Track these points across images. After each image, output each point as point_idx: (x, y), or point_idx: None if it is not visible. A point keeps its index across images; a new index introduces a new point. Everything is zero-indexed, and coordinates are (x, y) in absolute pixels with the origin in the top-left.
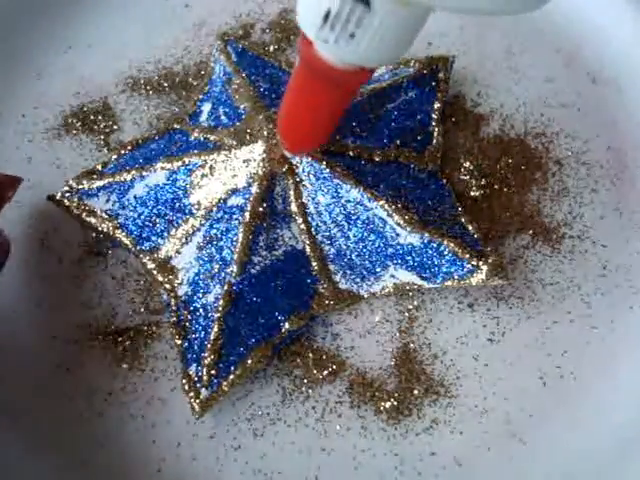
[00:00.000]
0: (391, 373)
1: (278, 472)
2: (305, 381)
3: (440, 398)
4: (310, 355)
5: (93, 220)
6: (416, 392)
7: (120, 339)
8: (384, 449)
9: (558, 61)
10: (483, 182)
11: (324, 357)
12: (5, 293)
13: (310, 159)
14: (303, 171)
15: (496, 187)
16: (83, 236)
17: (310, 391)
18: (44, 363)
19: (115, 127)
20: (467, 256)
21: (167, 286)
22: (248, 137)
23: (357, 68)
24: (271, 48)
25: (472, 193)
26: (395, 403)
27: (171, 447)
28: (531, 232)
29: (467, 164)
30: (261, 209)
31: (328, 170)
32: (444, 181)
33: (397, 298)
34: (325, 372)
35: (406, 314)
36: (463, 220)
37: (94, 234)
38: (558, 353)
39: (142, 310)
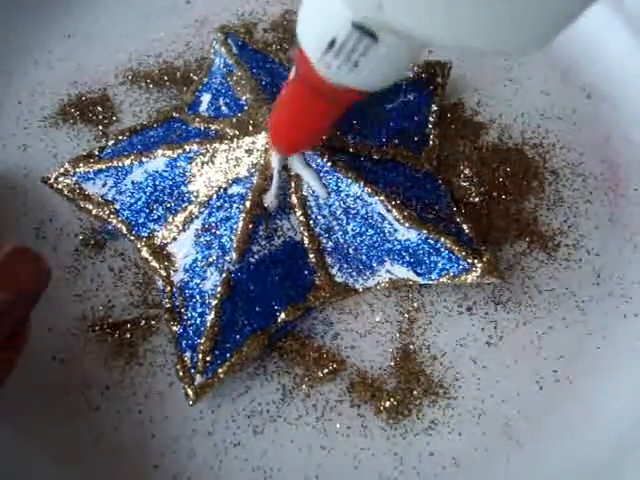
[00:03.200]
0: (391, 373)
1: (277, 470)
2: (306, 379)
3: (439, 399)
4: (311, 354)
5: (88, 204)
6: (415, 393)
7: (117, 332)
8: (383, 448)
9: (555, 75)
10: (482, 189)
11: (325, 356)
12: None
13: (312, 153)
14: None
15: (494, 194)
16: (80, 226)
17: (310, 389)
18: (39, 355)
19: (114, 118)
20: (463, 254)
21: (162, 272)
22: (251, 128)
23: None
24: (273, 48)
25: (471, 199)
26: (395, 403)
27: (169, 442)
28: (528, 239)
29: (467, 171)
30: (262, 198)
31: (330, 164)
32: (440, 181)
33: (397, 299)
34: (325, 371)
35: (406, 315)
36: (458, 219)
37: (91, 218)
38: (554, 357)
39: (140, 303)
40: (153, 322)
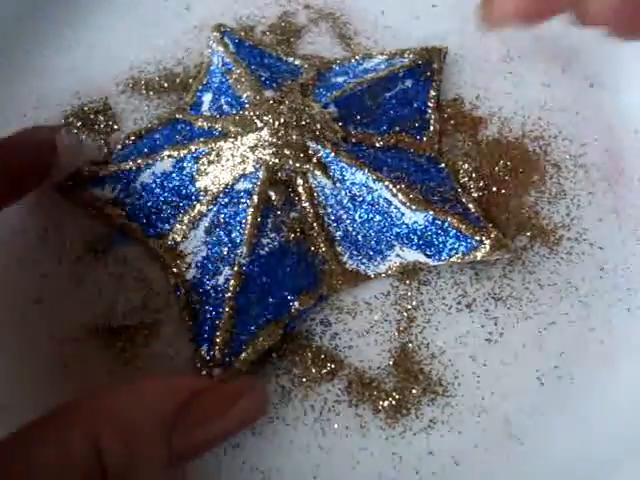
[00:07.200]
0: (389, 372)
1: (276, 470)
2: (304, 380)
3: (438, 398)
4: (309, 354)
5: (99, 210)
6: (414, 391)
7: (119, 337)
8: (382, 448)
9: (556, 66)
10: (481, 184)
11: (323, 356)
12: (3, 290)
13: (314, 145)
14: None
15: (494, 189)
16: (83, 234)
17: (309, 390)
18: (42, 361)
19: (115, 127)
20: (470, 232)
21: (175, 270)
22: (254, 125)
23: None
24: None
25: (471, 195)
26: (393, 402)
27: None
28: (529, 234)
29: (466, 166)
30: (269, 192)
31: (333, 154)
32: (443, 165)
33: (396, 298)
34: (324, 371)
35: (405, 314)
36: (464, 199)
37: (94, 226)
38: (556, 354)
39: (141, 309)
40: (153, 327)
